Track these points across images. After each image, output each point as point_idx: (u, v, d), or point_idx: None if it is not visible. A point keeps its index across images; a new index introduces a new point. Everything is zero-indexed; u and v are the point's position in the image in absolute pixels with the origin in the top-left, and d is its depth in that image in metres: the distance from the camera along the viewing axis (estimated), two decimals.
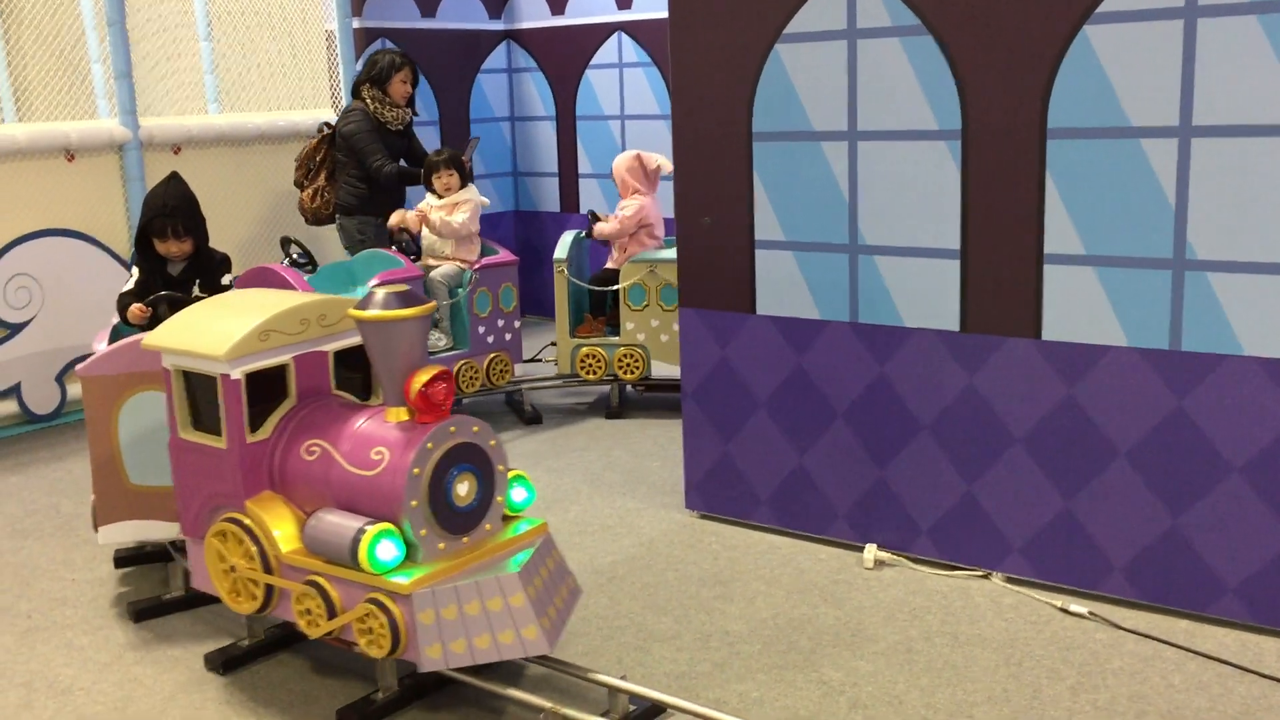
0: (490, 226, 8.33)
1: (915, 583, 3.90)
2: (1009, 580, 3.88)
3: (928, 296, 3.91)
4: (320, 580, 3.06)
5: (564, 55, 8.18)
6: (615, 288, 6.01)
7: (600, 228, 6.11)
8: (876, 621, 3.64)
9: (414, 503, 2.96)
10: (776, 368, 4.28)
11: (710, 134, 4.29)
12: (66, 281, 6.16)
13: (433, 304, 3.09)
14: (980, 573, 3.93)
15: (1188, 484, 3.52)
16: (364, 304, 3.02)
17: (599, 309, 6.18)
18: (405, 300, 3.02)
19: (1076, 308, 3.64)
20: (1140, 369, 3.55)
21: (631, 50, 7.81)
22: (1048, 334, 3.70)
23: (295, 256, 5.91)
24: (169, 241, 4.34)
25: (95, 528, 3.79)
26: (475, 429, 3.09)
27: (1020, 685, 3.24)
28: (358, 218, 6.40)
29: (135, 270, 4.43)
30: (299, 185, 6.63)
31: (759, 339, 4.30)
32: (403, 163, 6.45)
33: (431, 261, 6.03)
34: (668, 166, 6.15)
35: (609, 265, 6.21)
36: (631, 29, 7.79)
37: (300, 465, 3.17)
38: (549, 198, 8.42)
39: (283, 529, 3.16)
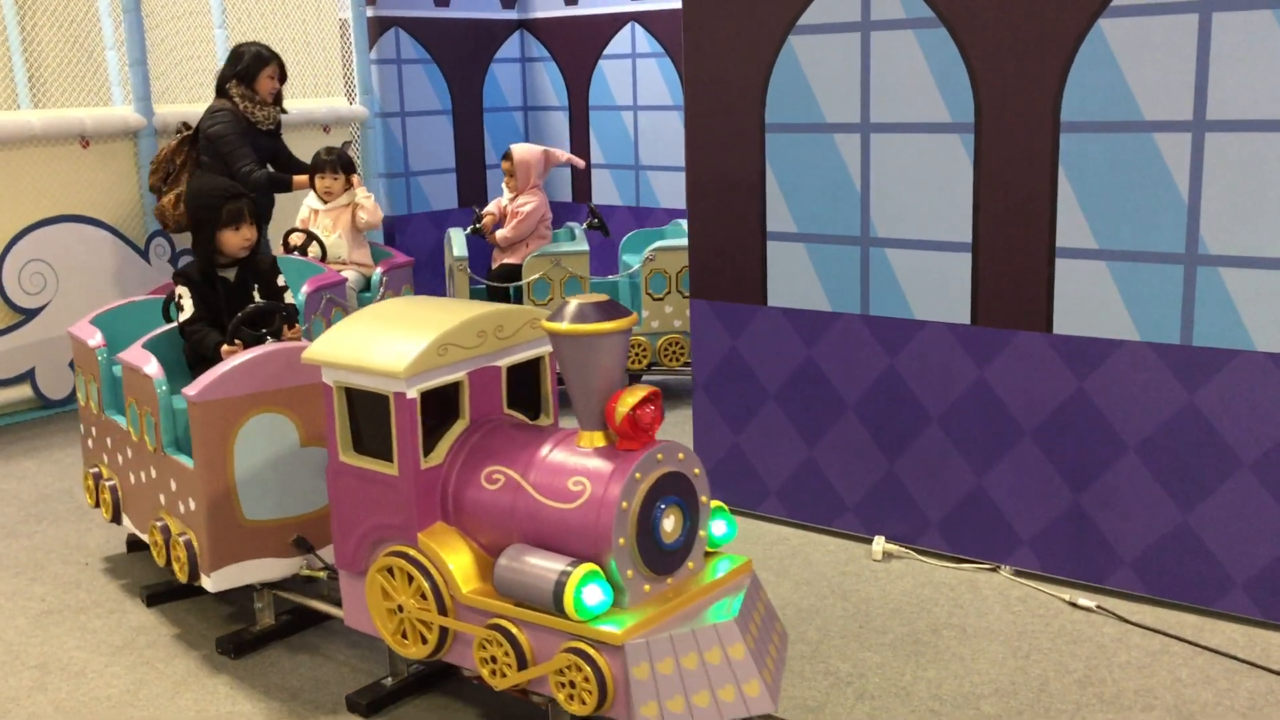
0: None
1: (924, 575, 3.91)
2: (1017, 573, 3.88)
3: (939, 289, 3.91)
4: (508, 625, 2.71)
5: (577, 45, 8.17)
6: (520, 283, 5.96)
7: (502, 233, 6.11)
8: (884, 613, 3.65)
9: (621, 540, 2.61)
10: (787, 359, 4.28)
11: (723, 125, 4.29)
12: (80, 267, 6.19)
13: (634, 315, 2.75)
14: (989, 566, 3.94)
15: (1198, 479, 3.52)
16: (558, 315, 2.71)
17: (497, 300, 6.03)
18: (607, 311, 2.69)
19: (1088, 302, 3.64)
20: (1151, 363, 3.55)
21: (645, 41, 7.80)
22: (1059, 328, 3.70)
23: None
24: (242, 228, 3.92)
25: (200, 573, 3.42)
26: (681, 456, 2.76)
27: (1028, 678, 3.25)
28: None
29: (185, 292, 3.91)
30: (155, 190, 6.24)
31: (770, 330, 4.31)
32: (269, 167, 6.05)
33: (334, 267, 5.77)
34: (579, 162, 6.49)
35: (507, 261, 6.14)
36: (645, 19, 7.78)
37: (480, 495, 2.83)
38: (562, 187, 8.42)
39: (461, 565, 2.82)
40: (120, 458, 3.90)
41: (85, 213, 6.23)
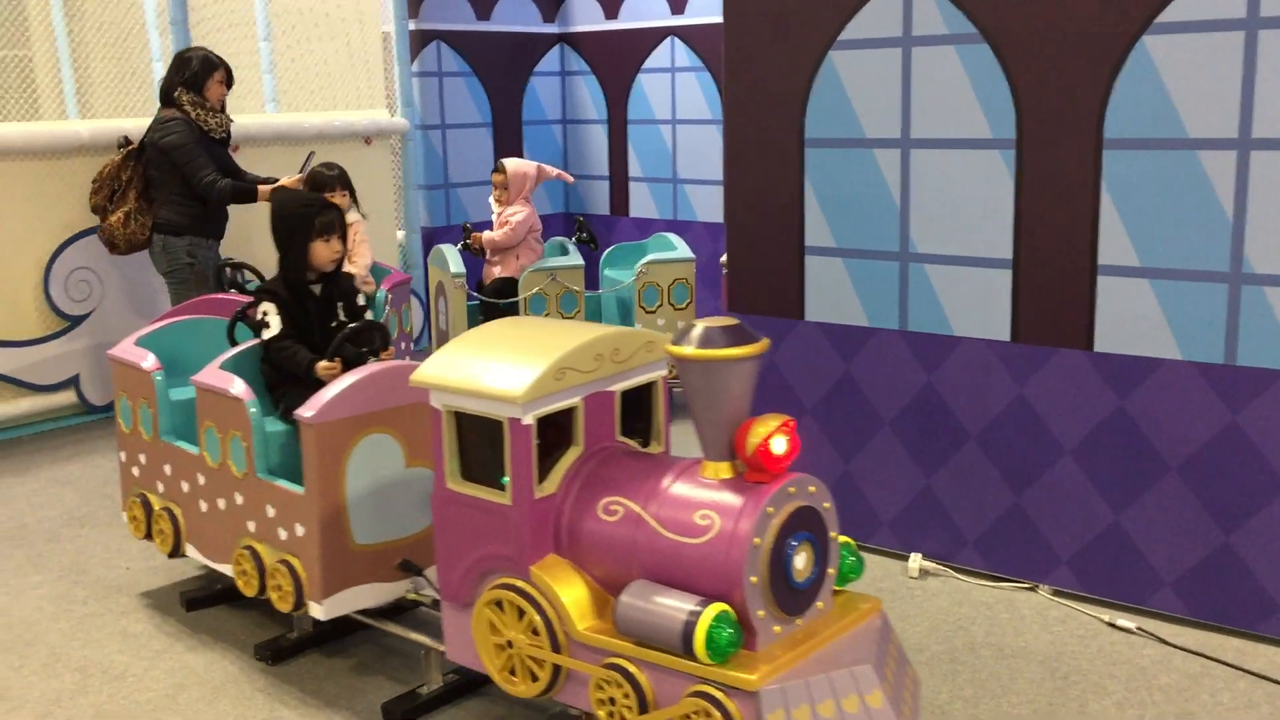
0: (544, 228, 8.39)
1: (960, 593, 3.89)
2: (1056, 593, 3.85)
3: (979, 305, 3.89)
4: (628, 665, 2.56)
5: (616, 59, 8.21)
6: (517, 298, 5.95)
7: (490, 236, 6.13)
8: (921, 631, 3.63)
9: (753, 579, 2.47)
10: (824, 374, 4.28)
11: (762, 140, 4.30)
12: (125, 275, 6.27)
13: (767, 341, 2.59)
14: (1027, 585, 3.90)
15: (1241, 500, 3.48)
16: (683, 338, 2.57)
17: (490, 315, 5.90)
18: (736, 335, 2.54)
19: (1130, 320, 3.61)
20: (1194, 383, 3.51)
21: (684, 54, 7.83)
22: (1100, 345, 3.67)
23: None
24: (332, 240, 3.73)
25: (307, 601, 3.28)
26: (812, 489, 2.61)
27: (1066, 699, 3.22)
28: (188, 238, 5.63)
29: (271, 308, 3.70)
30: (99, 210, 5.80)
31: (807, 345, 4.30)
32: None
33: None
34: (568, 178, 6.54)
35: (500, 274, 6.15)
36: (684, 33, 7.80)
37: (598, 526, 2.69)
38: (600, 200, 8.46)
39: (576, 600, 2.67)
40: (186, 485, 3.71)
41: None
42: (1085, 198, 3.63)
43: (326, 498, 3.21)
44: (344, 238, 3.80)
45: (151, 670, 3.50)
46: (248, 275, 5.32)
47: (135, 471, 3.97)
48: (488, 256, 6.28)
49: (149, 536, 3.90)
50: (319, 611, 3.26)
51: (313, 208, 3.74)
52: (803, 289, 4.29)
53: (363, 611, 3.42)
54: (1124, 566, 3.72)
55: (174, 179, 5.58)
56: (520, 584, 2.72)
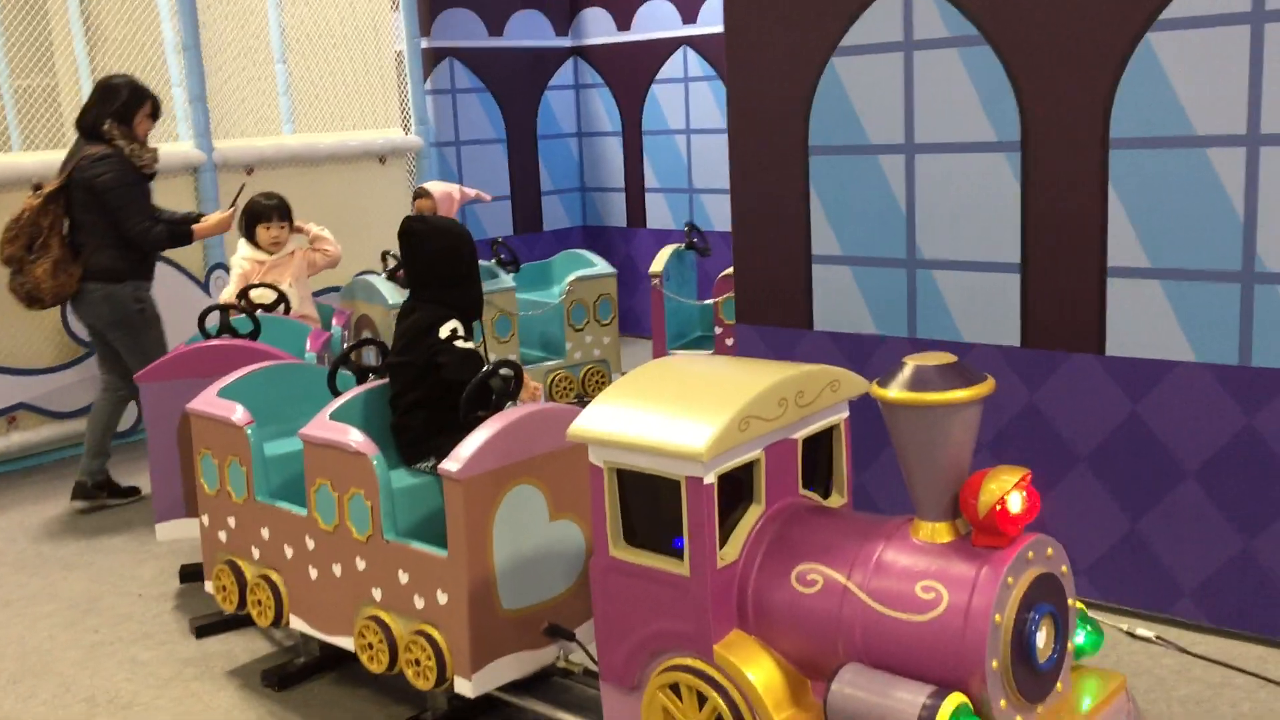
0: (559, 242, 8.38)
1: None
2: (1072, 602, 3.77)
3: (988, 311, 3.82)
4: None
5: (630, 70, 8.19)
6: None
7: None
8: None
9: (994, 663, 2.16)
10: None
11: (766, 148, 4.25)
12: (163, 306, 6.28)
13: (991, 381, 2.27)
14: None
15: (1260, 505, 3.40)
16: (891, 380, 2.28)
17: None
18: (957, 375, 2.23)
19: (1141, 322, 3.53)
20: (1208, 385, 3.43)
21: (697, 65, 7.80)
22: (1111, 349, 3.60)
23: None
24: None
25: (453, 675, 2.97)
26: (1050, 551, 2.28)
27: None
28: (132, 283, 5.09)
29: (459, 325, 3.42)
30: (14, 261, 5.02)
31: (816, 356, 4.24)
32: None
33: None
34: (486, 197, 6.38)
35: None
36: (697, 44, 7.77)
37: (794, 599, 2.36)
38: (616, 212, 8.43)
39: (769, 685, 2.34)
40: (290, 550, 3.37)
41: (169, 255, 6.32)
42: (1093, 199, 3.56)
43: (474, 560, 2.89)
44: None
45: (159, 699, 3.49)
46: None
47: (223, 536, 3.61)
48: None
49: (243, 606, 3.55)
50: (468, 688, 2.93)
51: (469, 240, 3.53)
52: (811, 298, 4.24)
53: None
54: (1142, 574, 3.63)
55: (103, 224, 4.98)
56: (701, 665, 2.38)
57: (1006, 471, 2.23)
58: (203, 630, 3.89)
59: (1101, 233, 3.56)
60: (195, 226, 5.20)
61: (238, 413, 3.48)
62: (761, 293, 4.37)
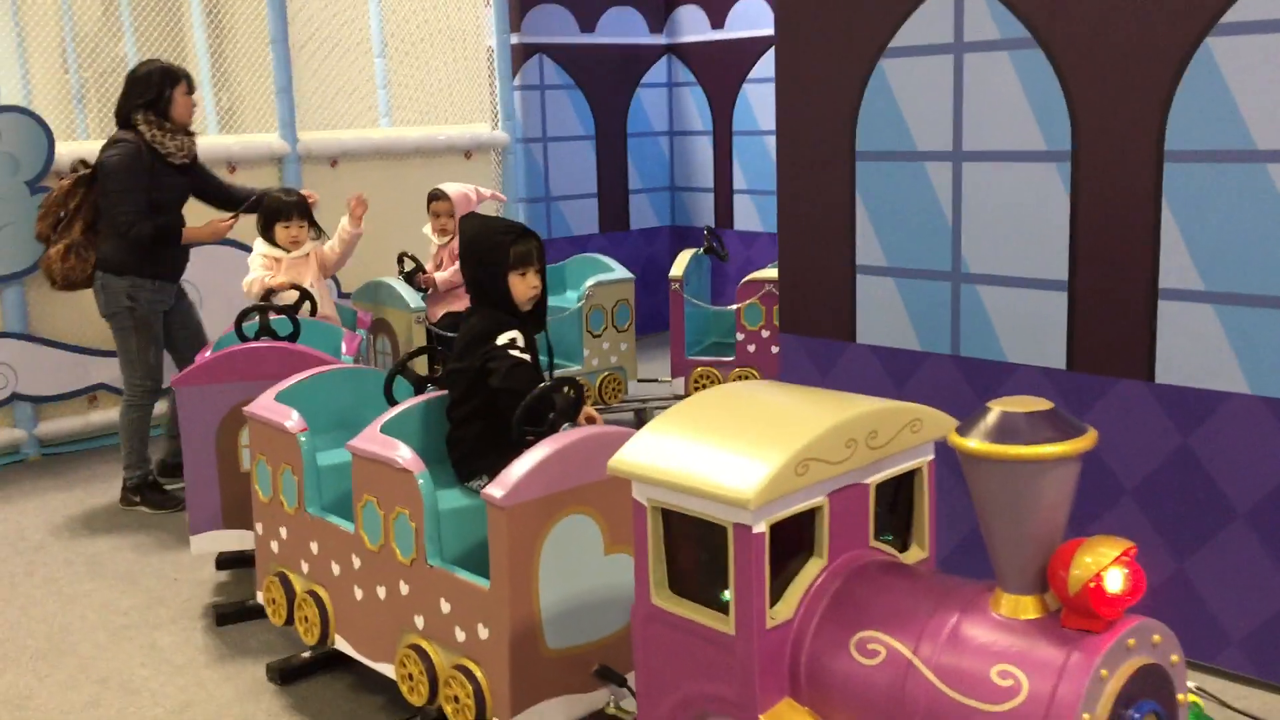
0: (646, 241, 8.31)
1: None
2: None
3: (1033, 330, 3.61)
4: None
5: (722, 69, 8.07)
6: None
7: (444, 277, 5.66)
8: None
9: None
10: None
11: (814, 153, 4.10)
12: (225, 289, 6.41)
13: (1093, 432, 1.97)
14: None
15: None
16: (973, 427, 1.99)
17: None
18: (1052, 425, 1.94)
19: (1194, 349, 3.29)
20: (1264, 420, 3.17)
21: None
22: (1161, 376, 3.36)
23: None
24: (529, 273, 3.31)
25: (493, 717, 2.80)
26: (1156, 639, 2.00)
27: None
28: (129, 278, 4.95)
29: (519, 335, 3.26)
30: (43, 239, 5.17)
31: (858, 369, 4.08)
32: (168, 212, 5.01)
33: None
34: (501, 197, 6.08)
35: (453, 309, 5.64)
36: None
37: (851, 670, 2.10)
38: (704, 212, 8.31)
39: None
40: (336, 567, 3.25)
41: (229, 236, 6.47)
42: (1145, 215, 3.33)
43: (518, 593, 2.69)
44: (543, 271, 3.36)
45: (166, 686, 3.52)
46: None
47: (274, 546, 3.50)
48: (432, 292, 5.76)
49: (290, 622, 3.46)
50: None
51: (506, 234, 3.29)
52: (854, 310, 4.07)
53: None
54: (1186, 620, 3.38)
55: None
56: None
57: (1105, 543, 1.92)
58: (224, 618, 3.93)
59: (1153, 251, 3.32)
60: (185, 230, 5.04)
61: (292, 419, 3.35)
62: (806, 302, 4.22)
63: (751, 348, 5.81)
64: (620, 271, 6.15)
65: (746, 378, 5.80)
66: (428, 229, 5.90)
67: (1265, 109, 3.07)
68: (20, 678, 3.62)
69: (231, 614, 3.93)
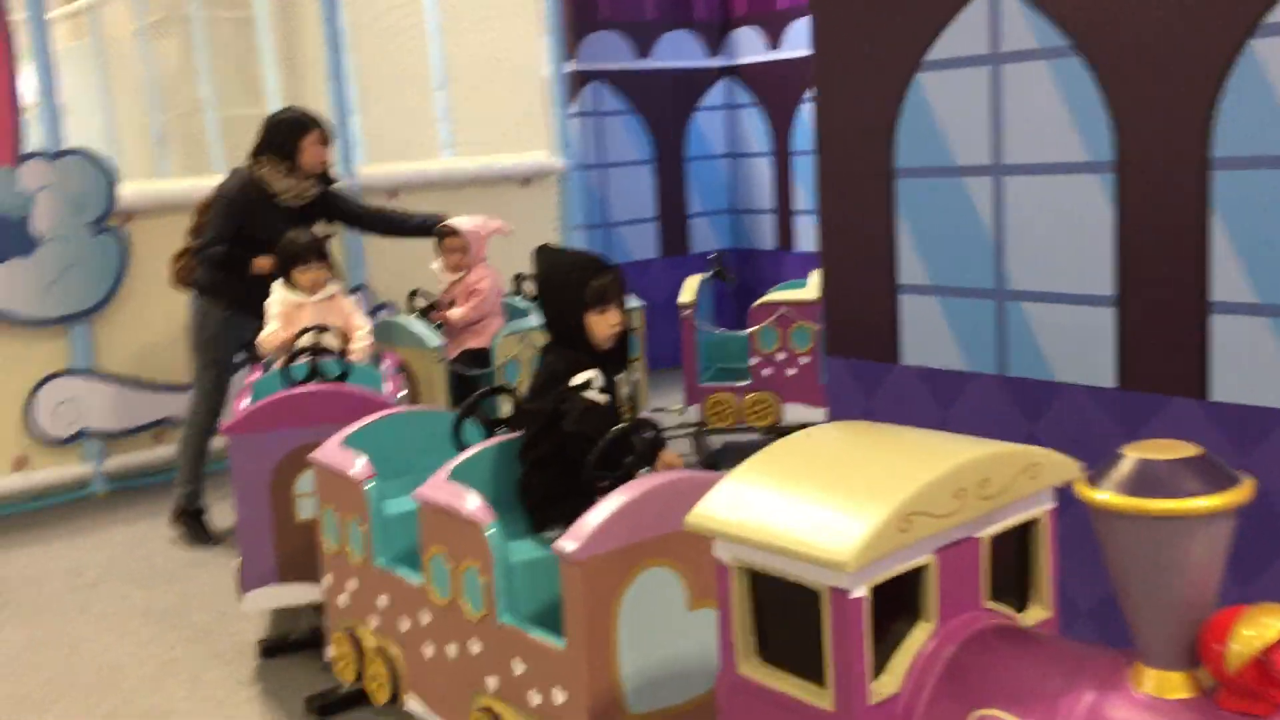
0: (705, 265, 8.25)
1: None
2: None
3: (1080, 347, 3.47)
4: None
5: (781, 89, 8.00)
6: (491, 369, 5.46)
7: (459, 314, 5.52)
8: None
9: None
10: (920, 423, 3.90)
11: (852, 170, 4.01)
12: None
13: (1252, 481, 1.78)
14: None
15: None
16: (1105, 476, 1.75)
17: (467, 393, 4.23)
18: (1202, 474, 1.72)
19: (1249, 365, 3.13)
20: None
21: None
22: (1216, 394, 3.20)
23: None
24: (609, 311, 3.15)
25: None
26: None
27: None
28: (206, 299, 5.16)
29: (597, 375, 3.10)
30: (187, 238, 5.42)
31: (903, 391, 3.96)
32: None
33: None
34: (508, 229, 5.80)
35: (472, 346, 5.55)
36: None
37: None
38: (764, 235, 8.24)
39: None
40: (406, 622, 3.07)
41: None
42: (1193, 225, 3.18)
43: (595, 654, 2.50)
44: (622, 306, 3.22)
45: None
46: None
47: (342, 600, 3.35)
48: (447, 329, 5.60)
49: (360, 680, 3.31)
50: None
51: (583, 269, 3.13)
52: (897, 330, 3.96)
53: None
54: None
55: None
56: None
57: (1269, 613, 1.66)
58: (269, 651, 3.94)
59: (1202, 263, 3.18)
60: (257, 260, 5.02)
61: (357, 466, 3.19)
62: (850, 323, 4.12)
63: (766, 371, 5.68)
64: (632, 299, 6.02)
65: (762, 403, 5.70)
66: (437, 265, 5.74)
67: None
68: (69, 710, 3.66)
69: (277, 647, 3.94)
